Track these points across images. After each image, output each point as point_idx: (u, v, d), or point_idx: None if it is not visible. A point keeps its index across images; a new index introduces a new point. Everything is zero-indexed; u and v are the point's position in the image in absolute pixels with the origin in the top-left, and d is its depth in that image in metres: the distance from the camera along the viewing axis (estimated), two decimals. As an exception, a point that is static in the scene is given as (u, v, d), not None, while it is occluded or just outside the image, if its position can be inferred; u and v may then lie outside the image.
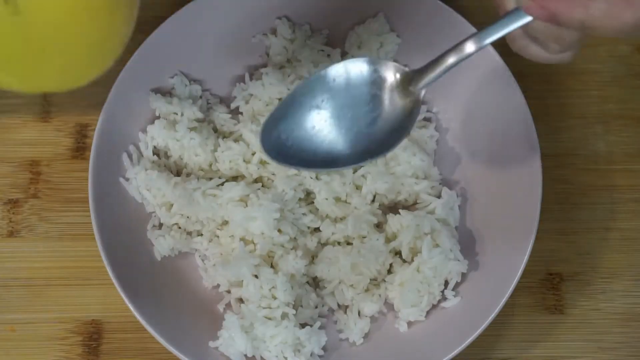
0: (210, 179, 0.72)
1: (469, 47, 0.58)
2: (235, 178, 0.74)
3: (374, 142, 0.61)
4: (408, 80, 0.61)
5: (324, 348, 0.69)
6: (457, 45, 0.58)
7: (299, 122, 0.62)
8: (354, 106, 0.62)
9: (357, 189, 0.73)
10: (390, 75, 0.62)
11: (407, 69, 0.62)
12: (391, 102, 0.62)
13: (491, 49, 0.73)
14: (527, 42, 0.59)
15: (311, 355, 0.68)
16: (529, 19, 0.55)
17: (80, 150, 0.78)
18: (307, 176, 0.72)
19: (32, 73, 0.47)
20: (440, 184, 0.75)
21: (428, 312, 0.70)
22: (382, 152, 0.61)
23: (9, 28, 0.43)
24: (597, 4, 0.51)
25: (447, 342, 0.67)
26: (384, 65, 0.62)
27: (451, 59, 0.58)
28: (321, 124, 0.62)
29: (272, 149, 0.61)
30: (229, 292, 0.71)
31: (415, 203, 0.74)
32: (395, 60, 0.77)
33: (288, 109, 0.62)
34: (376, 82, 0.62)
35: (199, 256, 0.73)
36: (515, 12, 0.56)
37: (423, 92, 0.60)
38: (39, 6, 0.44)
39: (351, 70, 0.62)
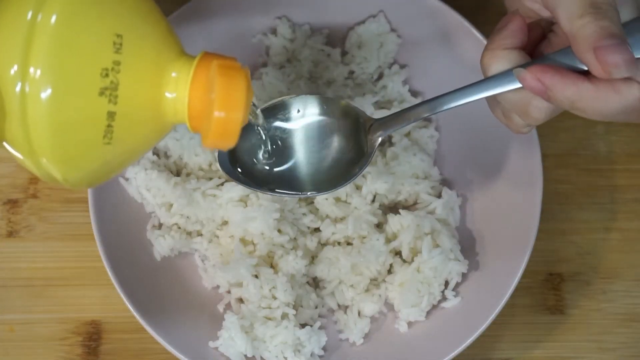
0: (210, 178, 0.72)
1: (442, 105, 0.58)
2: (234, 178, 0.73)
3: (322, 176, 0.63)
4: (368, 127, 0.62)
5: (324, 348, 0.69)
6: (427, 102, 0.59)
7: (254, 142, 0.62)
8: (310, 140, 0.63)
9: (357, 189, 0.73)
10: (351, 118, 0.63)
11: (369, 116, 0.62)
12: (347, 144, 0.63)
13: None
14: (497, 102, 0.59)
15: (311, 355, 0.68)
16: (515, 86, 0.54)
17: (80, 150, 0.78)
18: (307, 176, 0.72)
19: (88, 179, 0.52)
20: (440, 184, 0.74)
21: (428, 313, 0.70)
22: (326, 190, 0.62)
23: (98, 151, 0.48)
24: (587, 85, 0.51)
25: (448, 342, 0.67)
26: (347, 107, 0.63)
27: (422, 113, 0.59)
28: (276, 150, 0.63)
29: (225, 161, 0.62)
30: (229, 292, 0.71)
31: (415, 203, 0.74)
32: (395, 61, 0.77)
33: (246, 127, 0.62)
34: (336, 122, 0.63)
35: (199, 256, 0.72)
36: (503, 76, 0.55)
37: (379, 140, 0.61)
38: (129, 138, 0.49)
39: (315, 105, 0.63)
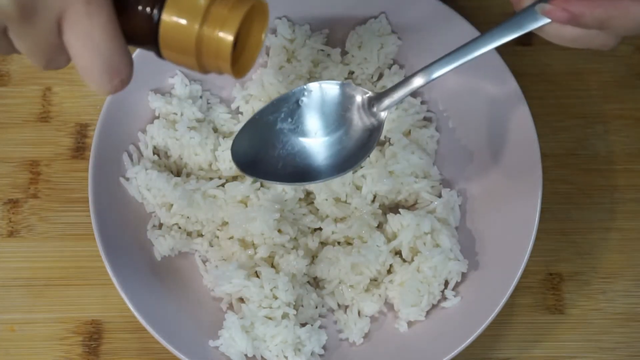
0: (211, 179, 0.72)
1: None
2: (235, 178, 0.74)
3: (340, 158, 0.64)
4: (372, 103, 0.64)
5: (324, 348, 0.69)
6: (426, 67, 0.61)
7: (267, 137, 0.64)
8: (322, 125, 0.65)
9: (357, 189, 0.73)
10: (358, 98, 0.65)
11: (371, 93, 0.64)
12: (357, 123, 0.65)
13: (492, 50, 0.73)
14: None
15: (311, 354, 0.68)
16: (543, 22, 0.55)
17: (80, 150, 0.78)
18: (306, 177, 0.72)
19: None
20: (440, 183, 0.75)
21: (428, 312, 0.70)
22: (348, 168, 0.64)
23: None
24: (614, 2, 0.53)
25: (447, 342, 0.67)
26: (352, 89, 0.65)
27: (417, 81, 0.61)
28: (289, 141, 0.64)
29: (241, 160, 0.62)
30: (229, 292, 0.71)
31: (415, 203, 0.74)
32: (394, 61, 0.77)
33: (257, 125, 0.64)
34: (344, 103, 0.65)
35: (199, 257, 0.73)
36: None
37: (385, 113, 0.64)
38: None
39: (321, 91, 0.65)
